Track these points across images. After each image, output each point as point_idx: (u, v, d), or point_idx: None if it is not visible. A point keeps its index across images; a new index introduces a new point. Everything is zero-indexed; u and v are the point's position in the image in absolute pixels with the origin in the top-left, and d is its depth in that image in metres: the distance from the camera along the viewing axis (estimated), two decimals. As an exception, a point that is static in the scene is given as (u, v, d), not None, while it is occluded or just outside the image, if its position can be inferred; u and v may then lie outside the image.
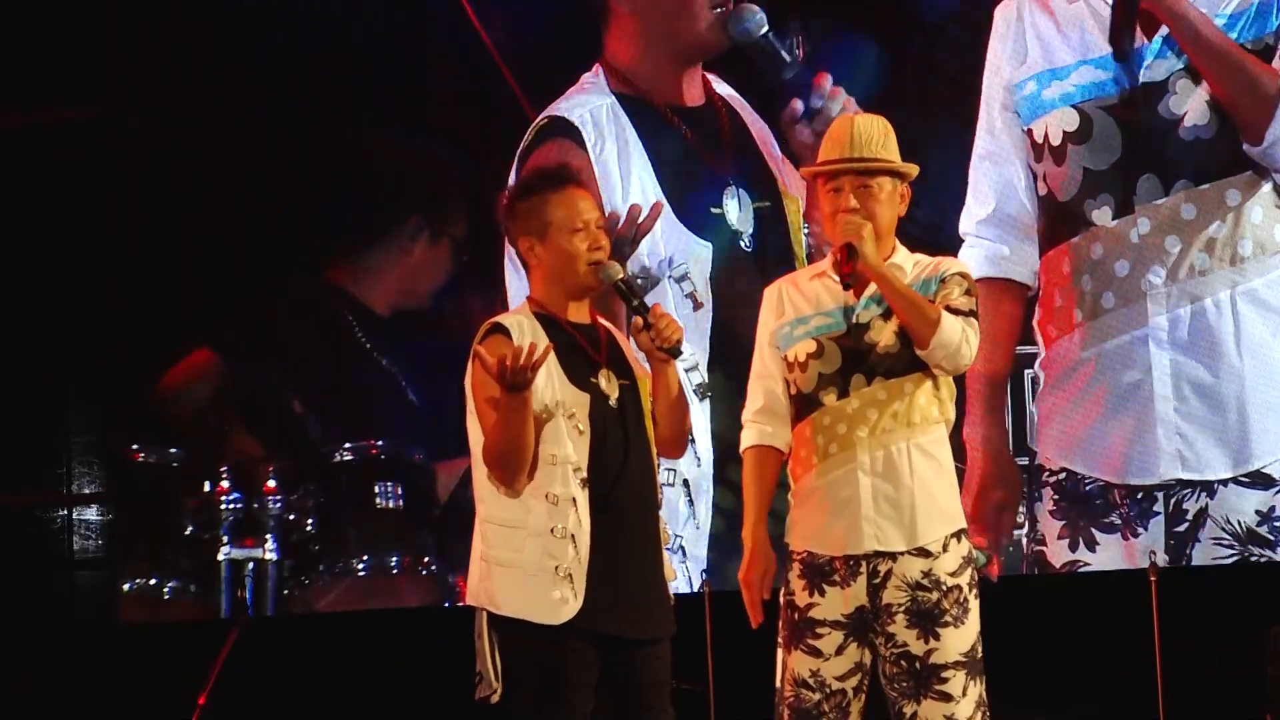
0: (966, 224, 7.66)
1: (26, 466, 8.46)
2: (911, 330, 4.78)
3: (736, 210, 7.71)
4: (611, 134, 7.85)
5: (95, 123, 8.36)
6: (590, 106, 7.81)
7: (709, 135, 7.84)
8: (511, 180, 7.82)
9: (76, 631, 8.34)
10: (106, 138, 8.33)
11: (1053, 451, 7.71)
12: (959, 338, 4.76)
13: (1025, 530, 7.82)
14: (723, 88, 7.95)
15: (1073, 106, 7.66)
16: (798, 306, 4.93)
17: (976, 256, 7.50)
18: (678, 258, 7.72)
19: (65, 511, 8.48)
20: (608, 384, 4.82)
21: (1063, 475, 7.69)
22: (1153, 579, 7.35)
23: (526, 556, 4.76)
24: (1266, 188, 7.72)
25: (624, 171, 7.80)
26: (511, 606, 4.77)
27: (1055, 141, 7.68)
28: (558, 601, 4.71)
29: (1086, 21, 7.74)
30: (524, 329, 4.83)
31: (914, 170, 4.97)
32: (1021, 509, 7.87)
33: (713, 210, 7.79)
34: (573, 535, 4.70)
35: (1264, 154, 7.58)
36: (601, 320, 5.01)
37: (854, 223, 4.79)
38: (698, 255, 7.71)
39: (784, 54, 7.70)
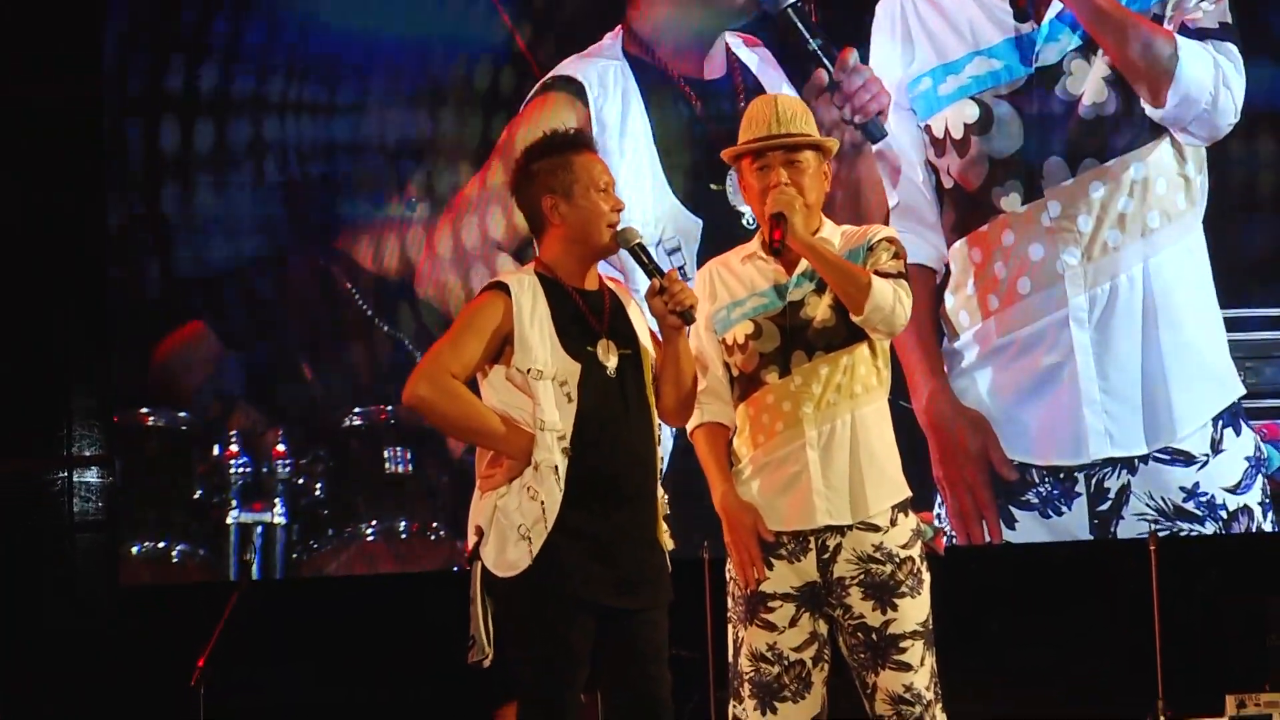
0: (870, 219, 7.36)
1: (27, 430, 8.35)
2: (845, 297, 4.62)
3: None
4: (616, 93, 7.63)
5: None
6: (599, 65, 7.66)
7: (722, 109, 7.67)
8: (514, 135, 7.63)
9: (79, 594, 8.25)
10: (107, 112, 8.21)
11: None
12: (891, 299, 4.63)
13: (944, 508, 7.70)
14: (749, 55, 7.72)
15: (971, 98, 7.64)
16: (732, 290, 4.78)
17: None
18: (669, 230, 7.64)
19: (65, 474, 8.38)
20: (605, 353, 4.62)
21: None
22: (1152, 549, 7.13)
23: (509, 505, 4.58)
24: (1166, 154, 7.54)
25: (623, 131, 7.60)
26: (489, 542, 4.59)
27: (957, 134, 7.63)
28: (510, 556, 4.54)
29: (974, 12, 7.62)
30: (524, 286, 4.60)
31: (835, 144, 4.77)
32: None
33: (712, 186, 7.68)
34: (543, 501, 4.54)
35: (1166, 116, 7.48)
36: (611, 286, 4.72)
37: (786, 194, 4.66)
38: (688, 230, 7.65)
39: (804, 31, 7.54)
